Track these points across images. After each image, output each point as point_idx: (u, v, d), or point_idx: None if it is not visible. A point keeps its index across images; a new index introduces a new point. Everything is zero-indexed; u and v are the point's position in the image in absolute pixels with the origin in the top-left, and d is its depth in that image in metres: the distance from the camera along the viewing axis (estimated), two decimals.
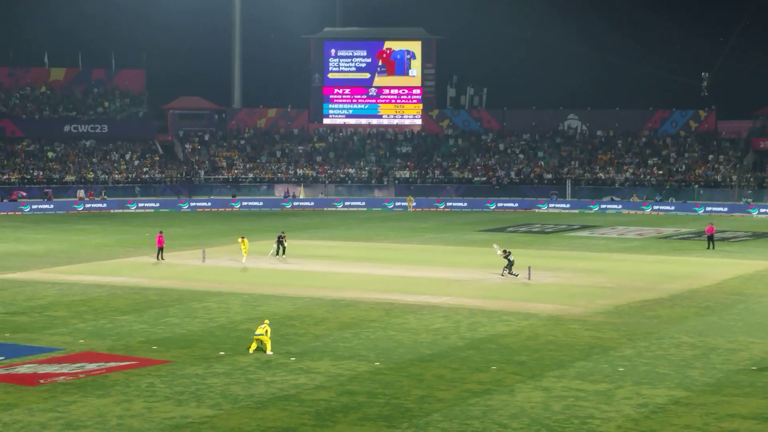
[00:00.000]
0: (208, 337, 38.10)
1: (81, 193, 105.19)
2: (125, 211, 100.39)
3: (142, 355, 35.06)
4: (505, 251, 53.97)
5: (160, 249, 60.22)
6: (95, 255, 63.91)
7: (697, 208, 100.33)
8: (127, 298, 46.53)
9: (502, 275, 53.15)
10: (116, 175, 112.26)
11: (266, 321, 36.03)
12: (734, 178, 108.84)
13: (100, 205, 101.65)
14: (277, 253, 60.97)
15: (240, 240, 59.95)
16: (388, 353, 35.37)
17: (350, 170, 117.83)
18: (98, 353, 35.25)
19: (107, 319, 41.48)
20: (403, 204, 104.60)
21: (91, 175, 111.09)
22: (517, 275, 52.63)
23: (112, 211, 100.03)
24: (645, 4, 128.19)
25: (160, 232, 61.41)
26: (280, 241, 61.37)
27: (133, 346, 36.61)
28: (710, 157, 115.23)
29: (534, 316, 42.19)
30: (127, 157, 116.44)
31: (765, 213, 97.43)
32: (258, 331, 35.17)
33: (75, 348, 36.09)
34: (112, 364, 33.48)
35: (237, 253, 61.35)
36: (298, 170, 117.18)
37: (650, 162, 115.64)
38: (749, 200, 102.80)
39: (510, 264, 52.98)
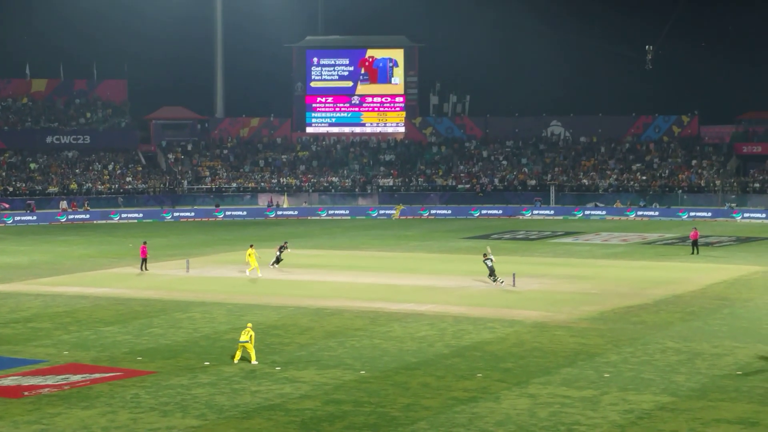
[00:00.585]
0: (192, 347, 37.99)
1: (64, 204, 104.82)
2: (108, 221, 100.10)
3: (126, 366, 34.93)
4: (485, 255, 53.98)
5: (144, 260, 60.03)
6: (79, 266, 63.69)
7: (681, 214, 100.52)
8: (111, 309, 46.38)
9: (494, 281, 53.05)
10: (99, 186, 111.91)
11: (249, 325, 35.95)
12: (718, 183, 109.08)
13: (83, 216, 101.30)
14: (272, 263, 60.58)
15: (249, 250, 59.05)
16: (373, 362, 35.32)
17: (334, 179, 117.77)
18: (83, 365, 35.12)
19: (91, 331, 41.33)
20: (389, 212, 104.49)
21: (74, 185, 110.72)
22: (502, 282, 52.61)
23: (95, 222, 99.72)
24: (622, 9, 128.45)
25: (144, 243, 61.21)
26: (280, 251, 60.94)
27: (118, 357, 36.48)
28: (693, 162, 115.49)
29: (519, 323, 42.18)
30: (110, 167, 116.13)
31: (749, 218, 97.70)
32: (242, 338, 35.03)
33: (59, 360, 35.94)
34: (97, 375, 33.35)
35: (221, 264, 61.10)
36: (281, 179, 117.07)
37: (634, 167, 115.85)
38: (733, 205, 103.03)
39: (490, 270, 52.98)
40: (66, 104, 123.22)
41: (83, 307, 47.20)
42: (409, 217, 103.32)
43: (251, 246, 59.42)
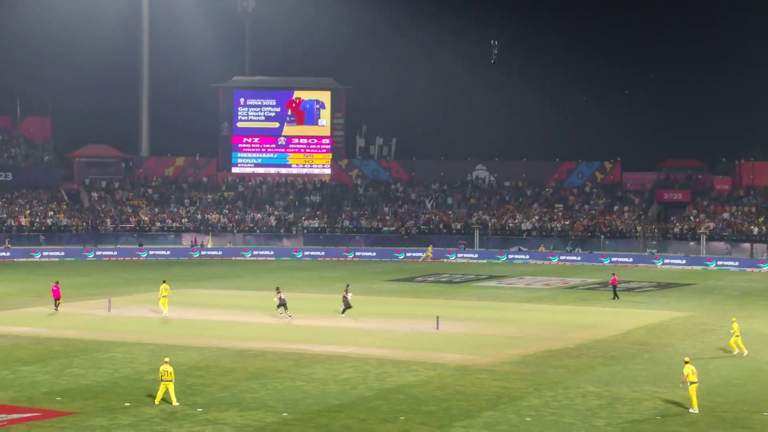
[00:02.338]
0: (113, 387, 37.62)
1: None
2: (30, 260, 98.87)
3: (45, 406, 34.49)
4: (278, 289, 57.72)
5: (56, 300, 58.98)
6: None
7: (602, 259, 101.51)
8: (30, 349, 45.79)
9: (285, 314, 55.97)
10: (22, 220, 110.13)
11: (167, 359, 35.67)
12: (639, 228, 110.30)
13: (3, 253, 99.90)
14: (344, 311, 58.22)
15: (163, 286, 58.76)
16: (295, 404, 35.20)
17: (258, 215, 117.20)
18: (0, 405, 34.58)
19: (10, 370, 40.76)
20: (315, 254, 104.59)
21: None
22: (290, 316, 55.89)
23: (15, 259, 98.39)
24: (547, 57, 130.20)
25: (56, 283, 60.16)
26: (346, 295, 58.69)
27: (37, 397, 36.00)
28: (615, 207, 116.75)
29: (442, 366, 42.29)
30: (33, 205, 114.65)
31: (669, 263, 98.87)
32: (164, 377, 34.67)
33: None
34: (15, 416, 32.88)
35: (143, 303, 60.61)
36: (206, 217, 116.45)
37: (557, 212, 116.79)
38: (654, 251, 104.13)
39: (282, 302, 56.30)
40: None
41: (2, 346, 46.55)
42: (335, 259, 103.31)
43: (164, 282, 59.20)
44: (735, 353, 45.65)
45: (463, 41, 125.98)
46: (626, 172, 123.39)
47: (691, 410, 34.53)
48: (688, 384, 34.71)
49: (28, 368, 41.22)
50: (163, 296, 57.98)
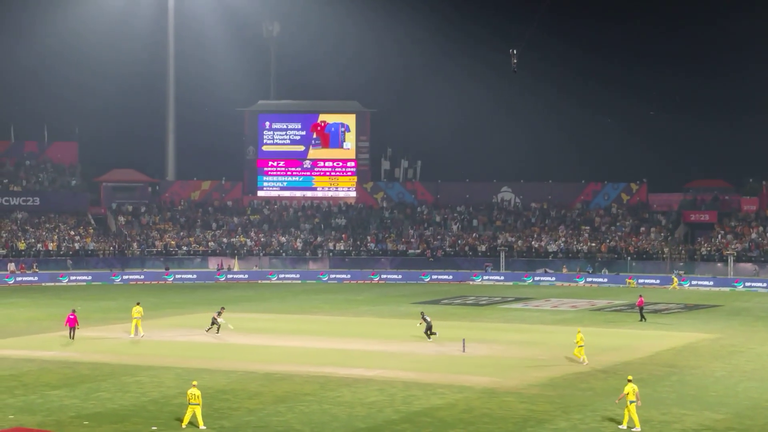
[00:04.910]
0: (140, 412, 37.68)
1: (12, 266, 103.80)
2: (57, 284, 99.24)
3: (73, 430, 34.58)
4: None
5: (72, 329, 58.21)
6: (26, 329, 63.06)
7: (629, 280, 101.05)
8: (58, 373, 45.93)
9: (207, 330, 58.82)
10: (49, 244, 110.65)
11: (194, 383, 35.75)
12: (666, 250, 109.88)
13: (31, 278, 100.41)
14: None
15: (136, 308, 59.13)
16: (322, 427, 35.17)
17: (282, 238, 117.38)
18: (28, 429, 34.70)
19: (38, 394, 40.89)
20: (341, 276, 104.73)
21: (22, 245, 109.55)
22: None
23: (43, 284, 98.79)
24: (573, 78, 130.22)
25: (73, 311, 59.27)
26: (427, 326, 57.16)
27: (64, 421, 36.09)
28: (642, 229, 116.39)
29: (469, 389, 42.19)
30: (60, 229, 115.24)
31: (696, 285, 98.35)
32: (191, 401, 34.74)
33: (4, 424, 35.50)
34: None
35: (170, 327, 60.79)
36: (232, 241, 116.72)
37: (583, 234, 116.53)
38: (681, 272, 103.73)
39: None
40: (16, 166, 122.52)
41: (30, 370, 46.71)
42: (361, 282, 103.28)
43: (138, 303, 59.51)
44: (579, 361, 48.92)
45: (488, 63, 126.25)
46: (652, 193, 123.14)
47: (622, 427, 34.55)
48: (628, 402, 34.84)
49: (56, 392, 41.35)
50: (135, 318, 58.45)
